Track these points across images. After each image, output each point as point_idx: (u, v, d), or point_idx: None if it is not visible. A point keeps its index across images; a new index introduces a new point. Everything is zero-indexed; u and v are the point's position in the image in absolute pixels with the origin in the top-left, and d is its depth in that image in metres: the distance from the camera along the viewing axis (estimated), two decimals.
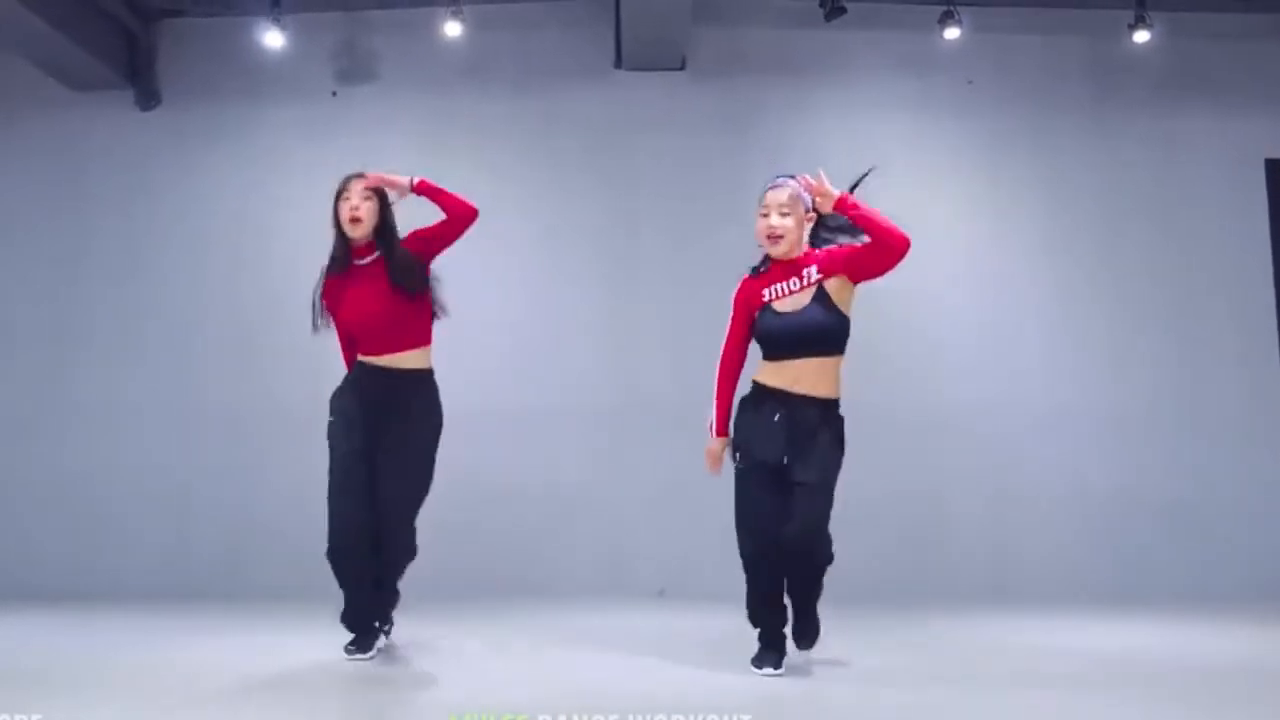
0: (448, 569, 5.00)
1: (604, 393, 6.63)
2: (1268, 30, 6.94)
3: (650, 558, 6.44)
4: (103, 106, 6.90)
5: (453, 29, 6.57)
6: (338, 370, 4.12)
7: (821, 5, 6.46)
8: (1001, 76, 6.93)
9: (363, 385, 3.98)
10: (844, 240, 3.77)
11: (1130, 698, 3.43)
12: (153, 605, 5.66)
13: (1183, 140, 6.88)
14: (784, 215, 3.68)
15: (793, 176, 3.76)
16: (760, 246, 3.75)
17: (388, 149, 6.14)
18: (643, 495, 6.52)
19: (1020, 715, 3.19)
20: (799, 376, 3.65)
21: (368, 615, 4.00)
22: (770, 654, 3.70)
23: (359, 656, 3.92)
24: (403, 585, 4.12)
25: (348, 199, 3.94)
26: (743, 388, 3.79)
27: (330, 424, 4.00)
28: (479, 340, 6.16)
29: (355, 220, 3.91)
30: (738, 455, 3.72)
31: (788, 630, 3.81)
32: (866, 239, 3.63)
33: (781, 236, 3.67)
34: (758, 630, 3.79)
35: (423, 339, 4.03)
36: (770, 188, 3.75)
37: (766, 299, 3.71)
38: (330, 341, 4.10)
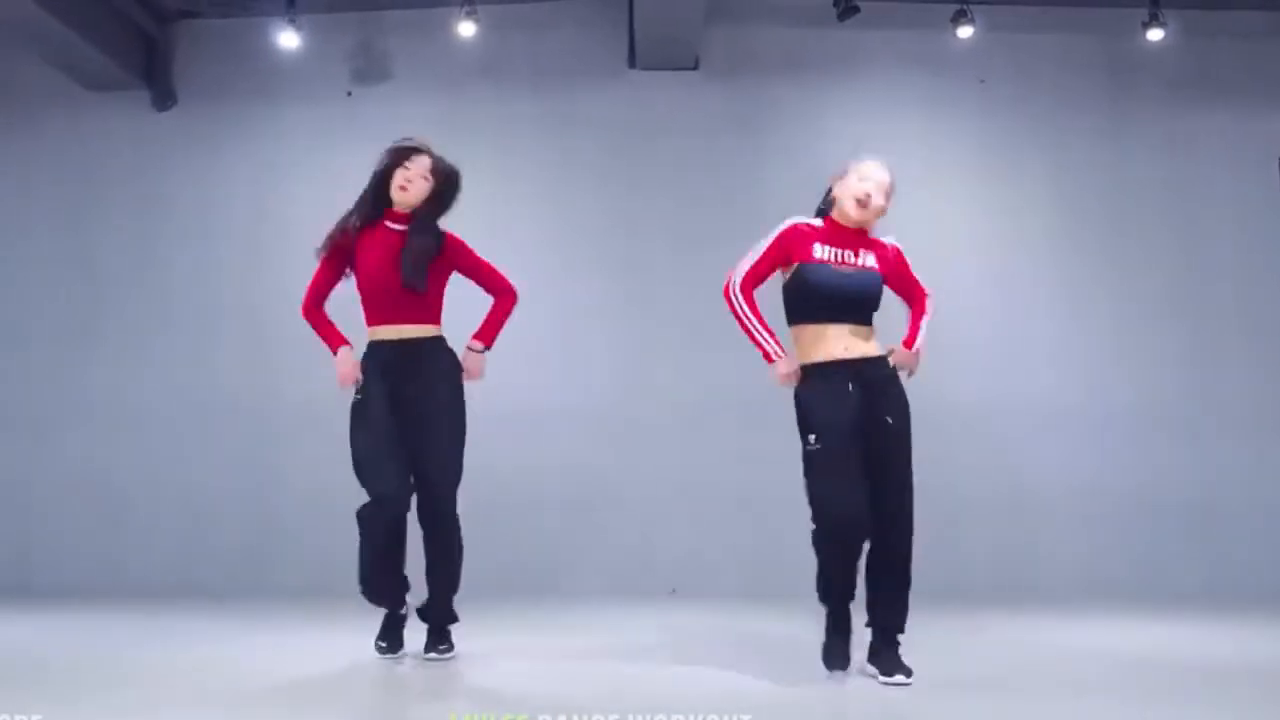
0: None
1: (616, 393, 6.67)
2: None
3: (662, 557, 6.47)
4: (119, 106, 6.98)
5: (467, 29, 6.63)
6: None
7: (835, 5, 6.49)
8: (1014, 75, 6.95)
9: (380, 359, 3.84)
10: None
11: (1145, 698, 3.42)
12: (169, 603, 5.71)
13: (1196, 139, 6.88)
14: (885, 196, 3.65)
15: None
16: (840, 205, 3.65)
17: None
18: (655, 495, 6.56)
19: (1032, 717, 3.17)
20: (850, 344, 3.57)
21: (392, 588, 3.86)
22: (842, 649, 3.59)
23: (389, 655, 3.87)
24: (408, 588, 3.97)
25: (406, 168, 3.85)
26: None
27: (355, 401, 3.85)
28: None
29: (403, 188, 3.83)
30: (811, 437, 3.52)
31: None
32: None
33: (868, 207, 3.61)
34: (830, 618, 3.62)
35: (432, 318, 3.92)
36: (875, 161, 3.68)
37: (818, 255, 3.60)
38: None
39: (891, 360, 3.61)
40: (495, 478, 6.26)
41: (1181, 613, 5.56)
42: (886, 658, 3.52)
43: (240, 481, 6.64)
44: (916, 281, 3.79)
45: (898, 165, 3.72)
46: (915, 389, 3.63)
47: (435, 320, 3.92)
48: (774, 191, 6.03)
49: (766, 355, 3.60)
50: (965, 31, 6.64)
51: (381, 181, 3.88)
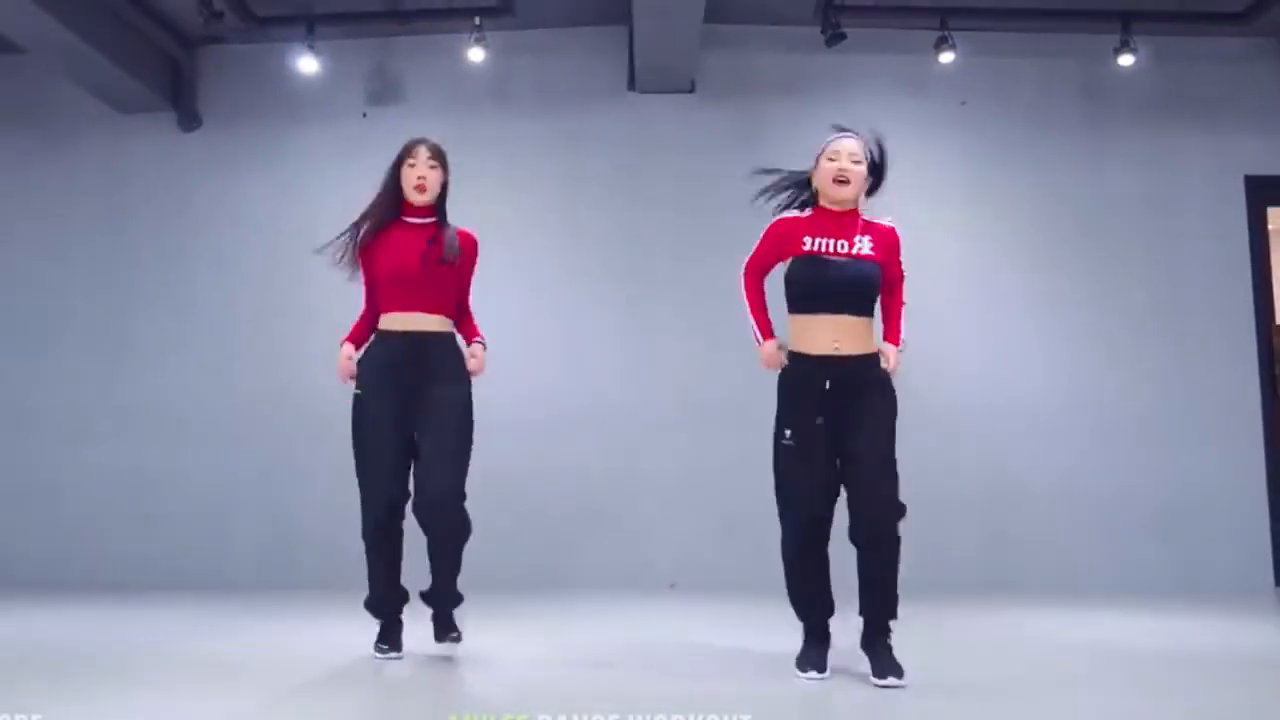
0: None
1: (618, 399, 6.88)
2: (1249, 54, 7.14)
3: (662, 553, 6.68)
4: (147, 127, 7.20)
5: (476, 54, 6.83)
6: None
7: (822, 31, 6.69)
8: (995, 98, 7.14)
9: (389, 349, 3.86)
10: (790, 195, 3.73)
11: (1132, 690, 3.48)
12: (194, 598, 5.91)
13: (1169, 158, 7.06)
14: (855, 163, 3.54)
15: (855, 132, 3.61)
16: (823, 194, 3.59)
17: None
18: (656, 494, 6.77)
19: (1023, 715, 3.16)
20: (840, 338, 3.45)
21: (396, 601, 3.93)
22: (817, 650, 3.55)
23: (392, 655, 3.88)
24: (410, 583, 4.02)
25: (414, 165, 3.94)
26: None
27: (356, 398, 3.87)
28: (498, 350, 6.27)
29: (421, 188, 3.92)
30: (787, 432, 3.44)
31: (832, 623, 3.60)
32: (810, 191, 3.64)
33: (849, 181, 3.51)
34: (804, 623, 3.58)
35: (448, 308, 3.96)
36: (838, 137, 3.59)
37: (808, 247, 3.52)
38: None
39: (884, 365, 3.53)
40: (498, 479, 6.36)
41: (1159, 607, 5.67)
42: (879, 653, 3.44)
43: (262, 484, 6.87)
44: (898, 264, 3.68)
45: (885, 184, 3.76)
46: (905, 394, 3.63)
47: (450, 313, 3.99)
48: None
49: (755, 337, 3.61)
50: (947, 56, 6.79)
51: (396, 186, 3.98)
